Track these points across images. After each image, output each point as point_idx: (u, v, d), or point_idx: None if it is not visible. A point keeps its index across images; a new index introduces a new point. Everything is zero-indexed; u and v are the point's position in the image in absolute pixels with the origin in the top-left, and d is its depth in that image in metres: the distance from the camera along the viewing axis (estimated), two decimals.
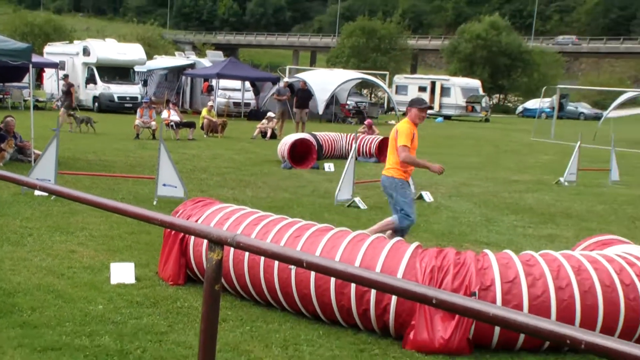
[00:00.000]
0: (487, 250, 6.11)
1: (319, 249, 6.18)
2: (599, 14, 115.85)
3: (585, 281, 5.79)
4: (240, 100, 39.45)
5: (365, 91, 70.11)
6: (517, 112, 69.53)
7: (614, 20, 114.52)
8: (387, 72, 55.99)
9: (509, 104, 78.21)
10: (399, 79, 58.45)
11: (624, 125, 48.15)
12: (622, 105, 44.03)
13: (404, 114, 9.50)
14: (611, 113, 40.17)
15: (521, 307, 5.57)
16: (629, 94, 42.78)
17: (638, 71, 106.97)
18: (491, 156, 24.48)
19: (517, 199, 14.56)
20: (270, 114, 27.31)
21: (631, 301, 5.84)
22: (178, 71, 41.49)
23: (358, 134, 21.93)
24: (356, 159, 14.34)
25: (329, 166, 17.96)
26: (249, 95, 40.21)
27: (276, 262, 6.26)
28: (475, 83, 56.39)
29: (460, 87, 53.54)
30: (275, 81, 37.87)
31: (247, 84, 40.12)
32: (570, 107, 65.23)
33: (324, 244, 6.24)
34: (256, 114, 36.71)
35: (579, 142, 17.86)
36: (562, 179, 17.36)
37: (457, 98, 53.03)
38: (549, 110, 55.76)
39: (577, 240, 9.72)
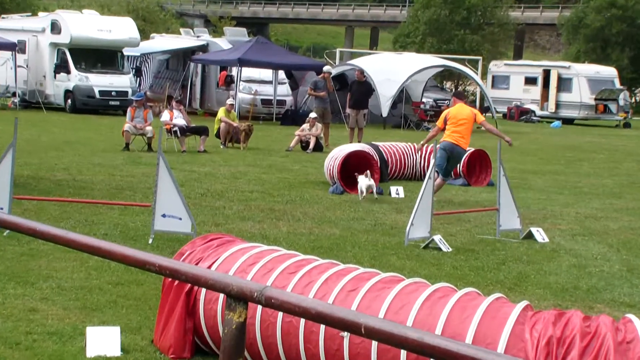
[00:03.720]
0: (630, 316, 5.97)
1: (383, 308, 6.13)
2: None
3: None
4: (271, 97, 39.67)
5: (448, 84, 69.94)
6: None
7: None
8: (480, 58, 55.87)
9: None
10: (497, 66, 58.20)
11: None
12: None
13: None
14: None
15: None
16: None
17: None
18: (635, 177, 24.16)
19: None
20: (313, 114, 27.16)
21: None
22: (184, 56, 41.85)
23: (439, 145, 21.84)
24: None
25: (396, 190, 17.88)
26: (284, 91, 40.34)
27: (322, 327, 6.22)
28: (609, 72, 55.74)
29: (586, 77, 52.98)
30: (321, 71, 37.82)
31: (282, 74, 40.25)
32: None
33: (391, 302, 6.18)
34: (294, 117, 36.80)
35: None
36: None
37: (582, 94, 52.43)
38: None
39: None
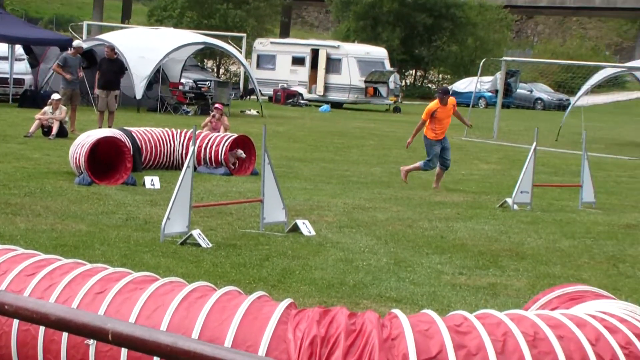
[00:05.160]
0: (396, 311, 6.15)
1: (134, 311, 6.11)
2: None
3: (545, 357, 5.92)
4: (7, 76, 38.74)
5: (210, 63, 69.98)
6: None
7: None
8: (245, 35, 56.16)
9: (429, 85, 79.68)
10: (263, 45, 58.56)
11: (600, 117, 49.92)
12: (599, 88, 45.51)
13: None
14: (582, 99, 41.47)
15: None
16: (608, 70, 43.84)
17: (622, 36, 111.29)
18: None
19: (442, 230, 14.78)
20: (55, 95, 26.78)
21: None
22: None
23: (201, 130, 21.86)
24: (195, 169, 14.29)
25: (151, 181, 17.79)
26: (22, 68, 39.46)
27: (65, 335, 6.15)
28: (380, 53, 57.09)
29: (356, 58, 54.06)
30: (65, 46, 37.17)
31: (20, 49, 39.36)
32: (523, 90, 67.13)
33: (143, 304, 6.17)
34: (34, 98, 36.10)
35: (534, 145, 18.28)
36: (509, 200, 17.67)
37: (351, 75, 53.44)
38: (489, 94, 57.37)
39: (532, 293, 10.00)
